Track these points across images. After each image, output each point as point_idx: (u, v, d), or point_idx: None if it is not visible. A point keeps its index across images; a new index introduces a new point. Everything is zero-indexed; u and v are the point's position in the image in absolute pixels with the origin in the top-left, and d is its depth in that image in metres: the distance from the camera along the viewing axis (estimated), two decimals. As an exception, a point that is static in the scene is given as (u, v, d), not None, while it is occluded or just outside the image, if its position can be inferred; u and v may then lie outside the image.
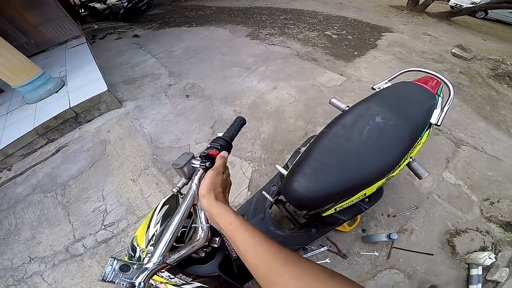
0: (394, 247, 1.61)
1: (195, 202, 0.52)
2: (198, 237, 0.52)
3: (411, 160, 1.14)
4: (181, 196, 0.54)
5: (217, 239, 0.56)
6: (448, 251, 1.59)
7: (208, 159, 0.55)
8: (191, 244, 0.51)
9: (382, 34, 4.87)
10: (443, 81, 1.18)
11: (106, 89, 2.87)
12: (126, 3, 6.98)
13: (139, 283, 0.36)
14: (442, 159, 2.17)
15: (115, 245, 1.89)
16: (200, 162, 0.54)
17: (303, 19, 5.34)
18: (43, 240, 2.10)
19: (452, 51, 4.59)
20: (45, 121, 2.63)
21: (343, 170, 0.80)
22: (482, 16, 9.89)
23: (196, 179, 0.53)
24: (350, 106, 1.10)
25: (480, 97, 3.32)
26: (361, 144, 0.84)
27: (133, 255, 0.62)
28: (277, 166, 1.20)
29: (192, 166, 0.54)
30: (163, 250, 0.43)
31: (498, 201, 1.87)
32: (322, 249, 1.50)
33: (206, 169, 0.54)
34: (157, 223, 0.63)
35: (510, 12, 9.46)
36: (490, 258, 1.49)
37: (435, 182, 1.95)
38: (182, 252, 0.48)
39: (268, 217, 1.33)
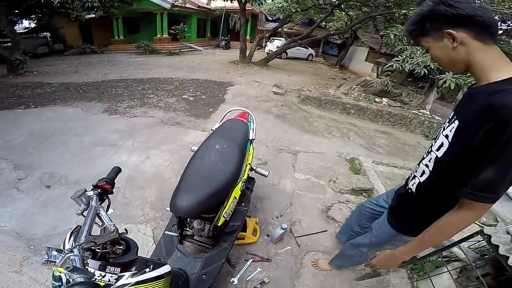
0: (296, 237, 2.03)
1: (98, 212, 0.76)
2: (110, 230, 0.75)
3: (252, 166, 1.76)
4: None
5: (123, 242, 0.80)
6: (333, 222, 2.25)
7: (98, 188, 0.82)
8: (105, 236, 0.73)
9: (227, 88, 6.31)
10: (248, 112, 1.95)
11: None
12: None
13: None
14: (289, 166, 3.14)
15: None
16: (93, 190, 0.81)
17: (161, 86, 5.95)
18: None
19: (272, 90, 6.62)
20: None
21: (207, 181, 1.22)
22: (285, 57, 14.60)
23: (94, 201, 0.79)
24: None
25: (299, 119, 5.01)
26: (213, 164, 1.32)
27: (60, 284, 0.71)
28: (168, 208, 1.38)
29: (87, 195, 0.80)
30: (85, 234, 0.65)
31: (337, 179, 2.91)
32: (248, 262, 1.79)
33: (99, 194, 0.81)
34: (71, 243, 0.76)
35: (298, 49, 14.52)
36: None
37: (293, 183, 2.78)
38: (99, 239, 0.70)
39: (183, 251, 1.47)
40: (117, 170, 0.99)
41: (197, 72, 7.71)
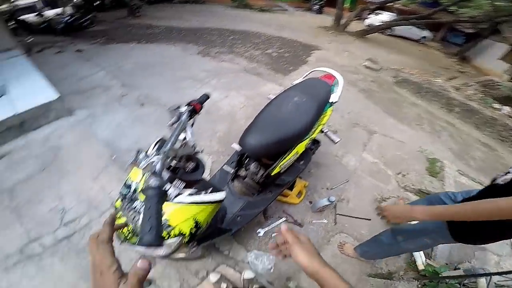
0: (337, 214, 1.92)
1: (185, 126, 0.84)
2: (190, 145, 0.83)
3: (323, 129, 1.68)
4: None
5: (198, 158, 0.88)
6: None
7: (190, 106, 0.93)
8: (186, 149, 0.81)
9: (312, 52, 5.90)
10: (335, 76, 1.78)
11: (55, 97, 2.87)
12: (67, 18, 6.67)
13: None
14: (360, 143, 2.87)
15: (79, 240, 1.87)
16: (186, 106, 0.92)
17: (249, 39, 6.07)
18: (-11, 246, 1.87)
19: (364, 63, 5.85)
20: (-17, 129, 2.48)
21: (278, 127, 1.26)
22: (388, 33, 12.42)
23: (184, 115, 0.88)
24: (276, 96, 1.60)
25: (387, 100, 4.37)
26: (287, 113, 1.34)
27: (128, 191, 0.85)
28: (233, 145, 1.44)
29: (180, 111, 0.91)
30: (170, 144, 0.72)
31: (407, 174, 2.54)
32: (281, 220, 1.84)
33: (189, 112, 0.90)
34: (154, 150, 0.88)
35: (410, 28, 12.18)
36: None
37: (358, 161, 2.57)
38: (179, 151, 0.78)
39: (232, 189, 1.59)
40: (206, 97, 1.05)
41: (284, 30, 7.44)
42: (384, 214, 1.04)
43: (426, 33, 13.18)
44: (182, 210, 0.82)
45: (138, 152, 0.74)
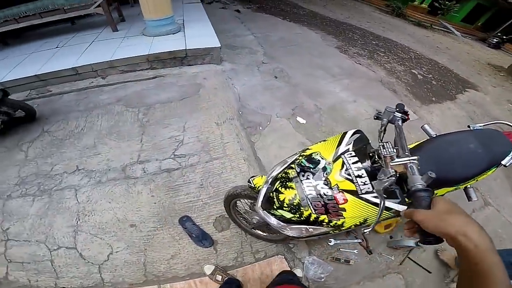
0: (408, 257, 1.83)
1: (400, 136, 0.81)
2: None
3: (468, 187, 1.44)
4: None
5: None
6: (442, 274, 1.77)
7: (405, 114, 0.92)
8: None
9: (466, 89, 4.78)
10: None
11: (218, 45, 3.44)
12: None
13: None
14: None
15: (177, 178, 1.95)
16: (401, 114, 0.91)
17: (395, 51, 5.42)
18: (103, 152, 2.10)
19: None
20: (159, 52, 3.23)
21: (442, 165, 1.15)
22: None
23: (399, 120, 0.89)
24: (438, 134, 1.44)
25: None
26: (457, 157, 1.21)
27: (312, 167, 0.91)
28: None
29: (394, 115, 0.91)
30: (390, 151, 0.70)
31: None
32: (356, 240, 1.81)
33: (402, 119, 0.90)
34: (349, 144, 0.95)
35: None
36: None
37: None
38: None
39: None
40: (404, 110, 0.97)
41: (440, 55, 6.24)
42: None
43: None
44: (363, 207, 0.84)
45: (383, 144, 0.73)
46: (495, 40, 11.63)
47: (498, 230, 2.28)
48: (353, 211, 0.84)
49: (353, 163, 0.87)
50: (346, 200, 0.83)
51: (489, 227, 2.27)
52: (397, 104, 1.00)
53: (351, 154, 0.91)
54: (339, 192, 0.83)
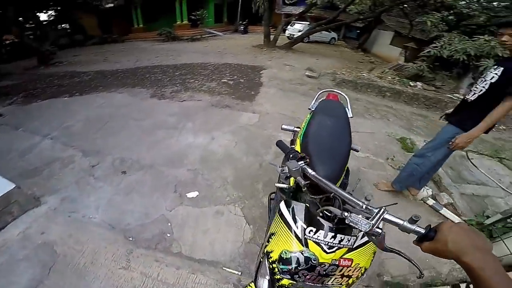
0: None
1: None
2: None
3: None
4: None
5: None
6: (402, 196, 2.37)
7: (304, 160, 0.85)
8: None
9: (261, 72, 6.29)
10: (339, 93, 1.99)
11: (13, 185, 2.19)
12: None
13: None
14: None
15: None
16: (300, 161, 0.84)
17: (197, 71, 6.01)
18: None
19: (306, 74, 6.58)
20: None
21: (335, 153, 1.26)
22: (307, 41, 14.19)
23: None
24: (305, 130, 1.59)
25: None
26: (334, 138, 1.37)
27: (296, 265, 0.79)
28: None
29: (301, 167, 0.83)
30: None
31: (394, 157, 3.05)
32: None
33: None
34: (297, 220, 0.84)
35: (321, 33, 14.10)
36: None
37: (355, 160, 2.80)
38: None
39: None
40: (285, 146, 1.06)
41: (225, 56, 7.69)
42: (459, 146, 1.73)
43: (333, 34, 15.79)
44: (366, 250, 0.88)
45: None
46: (241, 28, 16.11)
47: (375, 143, 3.25)
48: (361, 258, 0.85)
49: (323, 237, 0.79)
50: (351, 260, 0.83)
51: (370, 145, 3.17)
52: (277, 142, 1.06)
53: (311, 230, 0.80)
54: (339, 259, 0.80)
